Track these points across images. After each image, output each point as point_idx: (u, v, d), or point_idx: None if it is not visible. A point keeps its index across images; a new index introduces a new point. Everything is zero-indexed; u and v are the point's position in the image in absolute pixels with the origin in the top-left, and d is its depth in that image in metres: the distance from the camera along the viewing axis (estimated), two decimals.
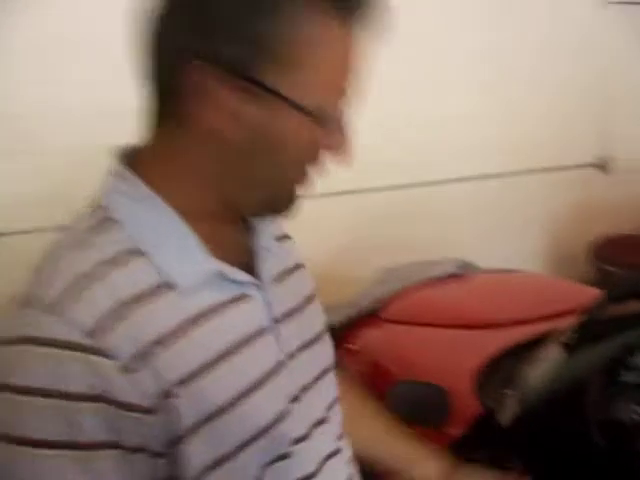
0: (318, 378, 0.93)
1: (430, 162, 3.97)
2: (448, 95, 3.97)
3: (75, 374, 0.66)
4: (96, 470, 0.67)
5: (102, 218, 0.77)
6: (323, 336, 0.95)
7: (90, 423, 0.67)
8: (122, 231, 0.76)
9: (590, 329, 2.01)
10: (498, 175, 4.24)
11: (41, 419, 0.66)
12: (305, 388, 0.89)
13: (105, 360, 0.67)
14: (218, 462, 0.74)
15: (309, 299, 0.97)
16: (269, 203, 0.85)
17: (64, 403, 0.66)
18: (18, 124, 2.81)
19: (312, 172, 0.86)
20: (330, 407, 0.94)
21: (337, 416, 0.97)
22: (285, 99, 0.75)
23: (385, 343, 2.70)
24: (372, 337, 2.83)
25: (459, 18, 3.99)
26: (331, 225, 3.74)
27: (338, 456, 0.93)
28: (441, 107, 3.93)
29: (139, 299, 0.72)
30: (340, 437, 0.96)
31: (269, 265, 0.88)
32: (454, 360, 2.28)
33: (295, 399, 0.86)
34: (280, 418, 0.81)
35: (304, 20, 0.74)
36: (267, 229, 0.92)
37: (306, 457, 0.85)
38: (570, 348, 1.62)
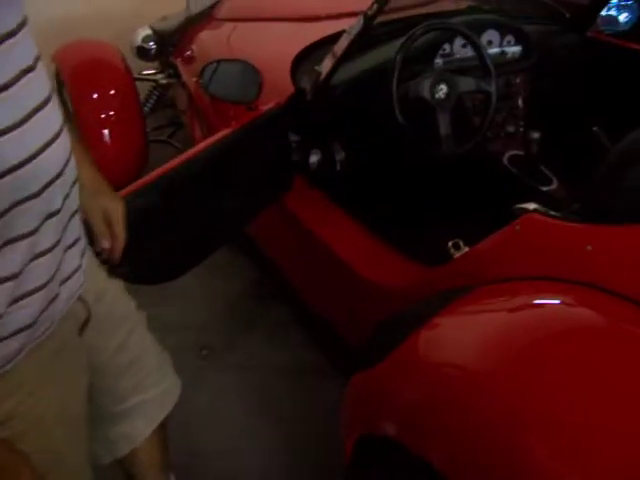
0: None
1: None
2: None
3: None
4: None
5: None
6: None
7: None
8: None
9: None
10: None
11: None
12: None
13: None
14: None
15: None
16: None
17: None
18: None
19: None
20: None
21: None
22: None
23: (217, 42, 2.66)
24: (205, 38, 2.78)
25: None
26: None
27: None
28: None
29: None
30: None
31: None
32: (274, 47, 2.31)
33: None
34: None
35: None
36: None
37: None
38: (369, 20, 1.62)
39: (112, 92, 2.91)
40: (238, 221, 1.91)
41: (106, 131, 2.83)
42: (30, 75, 0.84)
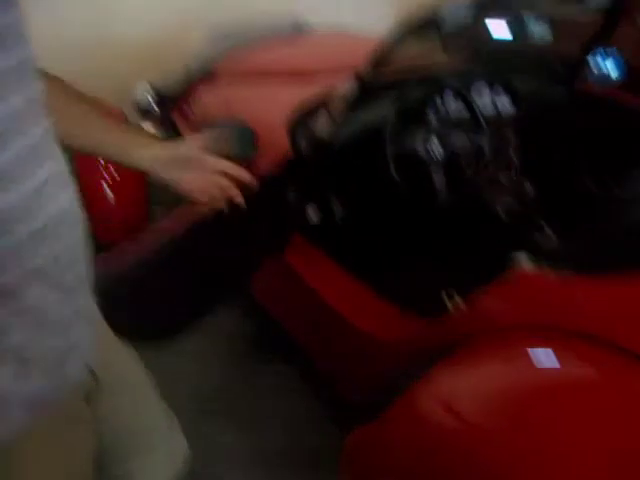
0: None
1: None
2: None
3: None
4: None
5: None
6: None
7: None
8: None
9: (387, 72, 2.06)
10: None
11: None
12: None
13: None
14: None
15: None
16: None
17: None
18: None
19: None
20: None
21: None
22: None
23: (216, 101, 2.71)
24: (204, 96, 2.83)
25: None
26: None
27: None
28: None
29: None
30: None
31: None
32: (271, 106, 2.35)
33: None
34: None
35: None
36: None
37: None
38: (362, 79, 1.67)
39: None
40: (235, 279, 1.92)
41: (108, 190, 2.88)
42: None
